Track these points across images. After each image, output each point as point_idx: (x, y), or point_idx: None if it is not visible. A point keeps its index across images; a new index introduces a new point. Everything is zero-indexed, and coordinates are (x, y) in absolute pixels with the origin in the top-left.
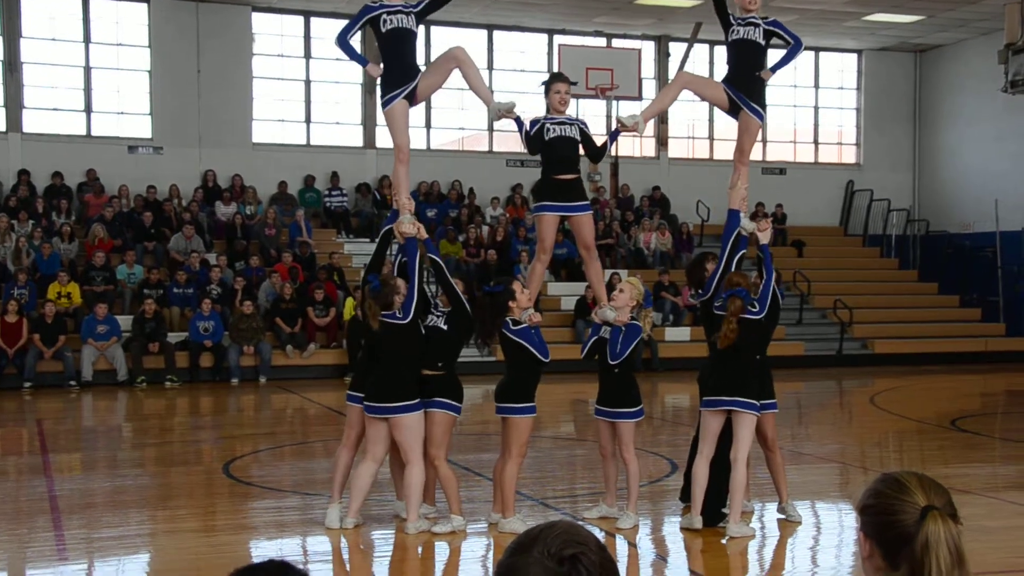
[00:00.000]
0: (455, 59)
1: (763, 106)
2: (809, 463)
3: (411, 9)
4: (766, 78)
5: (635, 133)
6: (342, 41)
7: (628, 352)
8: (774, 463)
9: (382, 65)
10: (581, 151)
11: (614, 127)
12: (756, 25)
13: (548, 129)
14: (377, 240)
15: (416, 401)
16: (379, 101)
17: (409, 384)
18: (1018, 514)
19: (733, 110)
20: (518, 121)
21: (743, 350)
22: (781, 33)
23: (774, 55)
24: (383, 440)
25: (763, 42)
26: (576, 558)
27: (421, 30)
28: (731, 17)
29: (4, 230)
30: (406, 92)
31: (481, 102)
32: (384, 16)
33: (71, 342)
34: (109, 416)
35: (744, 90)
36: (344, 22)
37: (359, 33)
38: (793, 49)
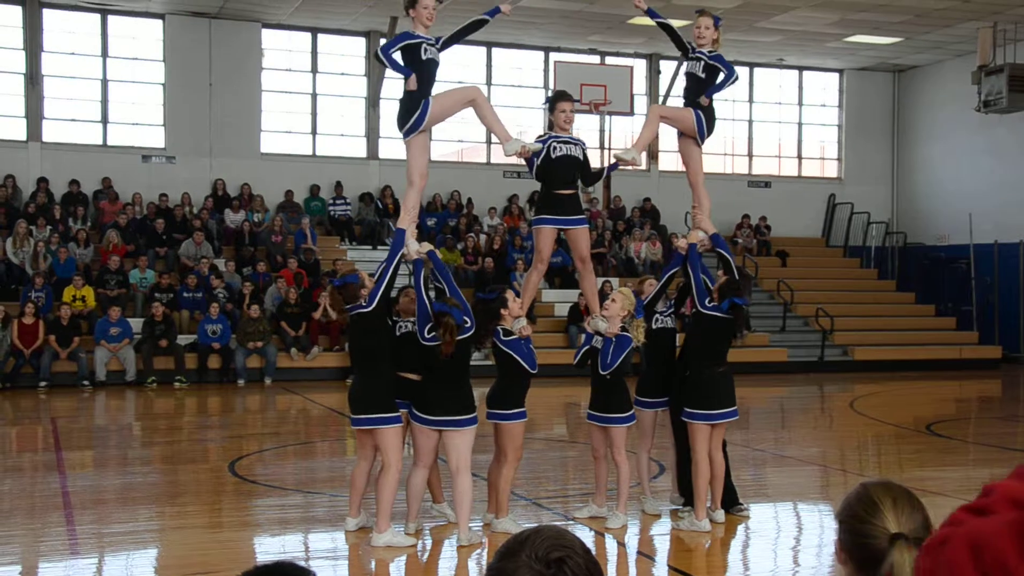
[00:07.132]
0: (471, 100)
1: (711, 131)
2: (791, 465)
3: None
4: (704, 104)
5: (634, 165)
6: (386, 55)
7: (619, 361)
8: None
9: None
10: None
11: (612, 161)
12: (699, 60)
13: (554, 147)
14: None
15: (474, 414)
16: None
17: (468, 397)
18: None
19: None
20: (530, 161)
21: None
22: (718, 66)
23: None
24: (434, 450)
25: (703, 75)
26: (562, 560)
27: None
28: (687, 45)
29: (23, 235)
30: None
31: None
32: (424, 46)
33: (85, 343)
34: (120, 415)
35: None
36: (346, 39)
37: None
38: (727, 77)
